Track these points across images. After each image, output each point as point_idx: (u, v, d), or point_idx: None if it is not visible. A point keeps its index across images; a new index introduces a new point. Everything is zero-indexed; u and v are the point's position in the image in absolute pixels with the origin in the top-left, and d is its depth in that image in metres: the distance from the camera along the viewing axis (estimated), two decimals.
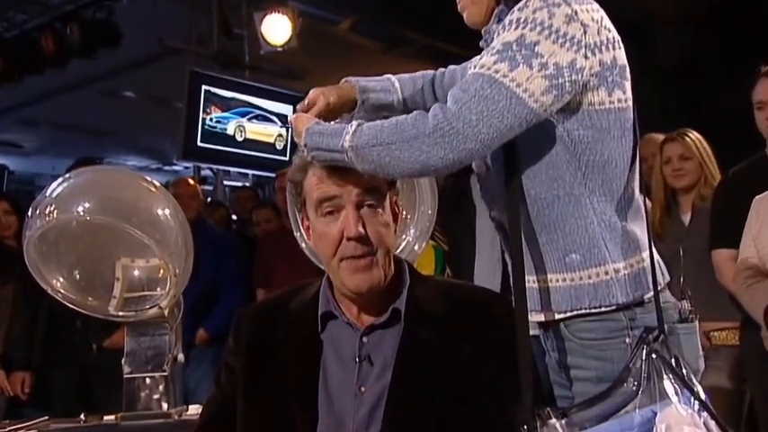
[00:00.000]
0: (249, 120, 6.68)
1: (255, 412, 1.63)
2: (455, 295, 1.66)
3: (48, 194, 2.09)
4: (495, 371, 1.55)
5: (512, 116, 1.46)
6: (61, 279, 2.15)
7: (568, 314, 1.60)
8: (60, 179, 2.15)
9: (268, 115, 6.81)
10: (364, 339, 1.59)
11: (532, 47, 1.47)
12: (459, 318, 1.60)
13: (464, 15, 1.74)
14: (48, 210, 2.05)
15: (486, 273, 3.44)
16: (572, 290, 1.59)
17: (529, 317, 1.55)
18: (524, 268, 1.59)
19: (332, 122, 1.66)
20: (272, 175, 5.33)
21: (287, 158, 6.58)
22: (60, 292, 2.14)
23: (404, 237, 2.41)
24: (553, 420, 1.41)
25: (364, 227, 1.54)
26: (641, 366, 1.46)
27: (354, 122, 1.55)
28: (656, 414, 1.40)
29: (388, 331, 1.60)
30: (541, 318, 1.64)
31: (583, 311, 1.58)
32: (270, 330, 1.67)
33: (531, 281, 1.63)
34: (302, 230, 1.74)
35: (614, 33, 1.57)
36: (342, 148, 1.52)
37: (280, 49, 6.31)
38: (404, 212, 2.41)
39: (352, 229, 1.53)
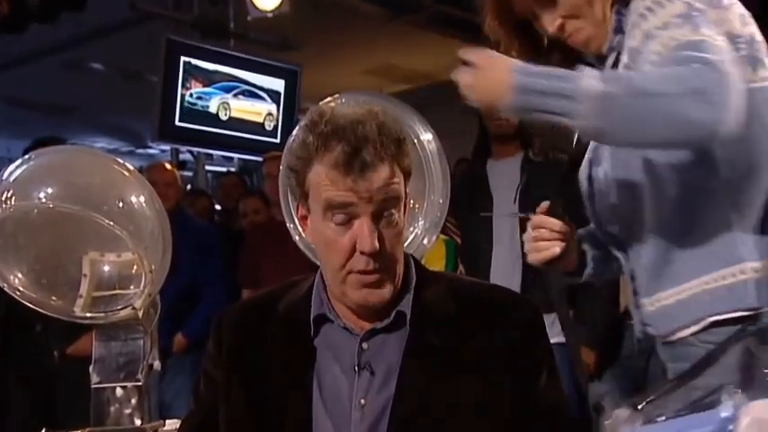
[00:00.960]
0: (235, 96, 6.69)
1: (239, 429, 1.64)
2: (468, 295, 1.66)
3: (4, 179, 2.08)
4: (515, 383, 1.56)
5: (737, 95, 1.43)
6: (20, 275, 2.14)
7: (702, 324, 1.63)
8: (19, 161, 2.15)
9: (256, 91, 6.81)
10: (364, 345, 1.60)
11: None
12: (474, 321, 1.60)
13: (584, 46, 1.73)
14: (4, 196, 2.04)
15: (505, 271, 3.46)
16: (707, 295, 1.61)
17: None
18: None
19: None
20: (261, 159, 5.34)
21: (278, 141, 6.59)
22: (19, 291, 2.13)
23: (412, 229, 2.42)
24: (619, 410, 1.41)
25: (381, 240, 1.53)
26: (732, 359, 1.46)
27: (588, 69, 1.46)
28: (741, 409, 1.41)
29: (391, 336, 1.60)
30: (673, 336, 1.69)
31: (717, 318, 1.60)
32: (255, 335, 1.68)
33: (663, 297, 1.67)
34: (296, 221, 1.74)
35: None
36: (580, 94, 1.41)
37: (270, 15, 6.32)
38: (411, 201, 2.42)
39: (367, 244, 1.51)
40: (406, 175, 1.58)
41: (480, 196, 3.73)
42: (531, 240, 1.83)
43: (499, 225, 3.65)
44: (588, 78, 1.42)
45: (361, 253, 1.52)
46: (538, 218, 1.81)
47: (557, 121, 1.46)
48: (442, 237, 3.44)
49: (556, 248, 1.80)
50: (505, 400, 1.55)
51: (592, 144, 1.79)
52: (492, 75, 1.53)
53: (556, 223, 1.80)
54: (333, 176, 1.51)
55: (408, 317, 1.59)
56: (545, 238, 1.80)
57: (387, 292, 1.56)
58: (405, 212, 1.59)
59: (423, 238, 2.44)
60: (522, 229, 3.52)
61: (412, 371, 1.56)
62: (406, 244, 2.35)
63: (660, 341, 1.77)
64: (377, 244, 1.51)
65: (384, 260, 1.54)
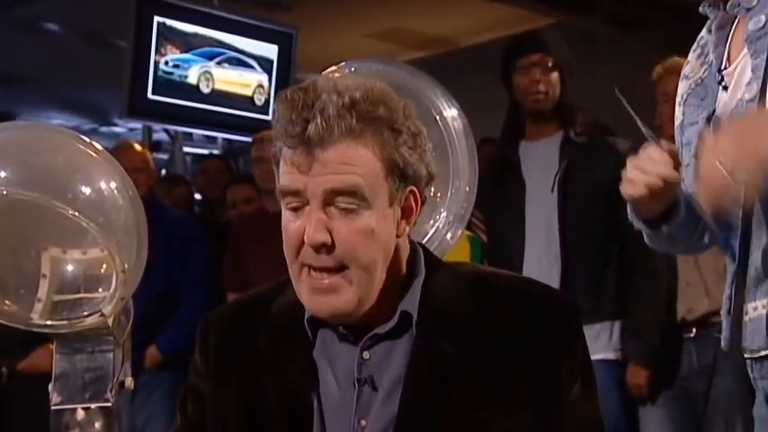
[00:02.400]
0: (218, 64, 6.70)
1: None
2: (490, 291, 1.66)
3: None
4: (541, 399, 1.57)
5: None
6: None
7: None
8: None
9: (244, 58, 6.83)
10: (365, 355, 1.61)
11: None
12: (495, 322, 1.60)
13: None
14: None
15: (540, 273, 3.45)
16: None
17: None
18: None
19: None
20: (249, 139, 5.34)
21: (269, 117, 6.55)
22: None
23: (432, 222, 2.42)
24: None
25: (332, 234, 1.54)
26: None
27: None
28: None
29: (397, 343, 1.61)
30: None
31: None
32: (247, 342, 1.70)
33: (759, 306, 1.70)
34: None
35: None
36: None
37: None
38: (432, 189, 2.42)
39: (310, 234, 1.53)
40: (394, 165, 1.57)
41: (510, 183, 3.73)
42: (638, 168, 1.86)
43: (533, 218, 3.66)
44: None
45: (310, 245, 1.54)
46: (670, 147, 1.85)
47: None
48: (467, 233, 3.44)
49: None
50: (529, 419, 1.56)
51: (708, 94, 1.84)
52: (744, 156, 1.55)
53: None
54: (286, 155, 1.55)
55: (414, 318, 1.60)
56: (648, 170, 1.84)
57: (344, 301, 1.55)
58: (393, 206, 1.59)
59: (446, 233, 2.44)
60: (562, 225, 3.55)
61: (418, 384, 1.57)
62: (424, 240, 2.36)
63: (749, 355, 1.80)
64: (322, 236, 1.52)
65: (338, 260, 1.54)
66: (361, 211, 1.54)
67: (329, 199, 1.53)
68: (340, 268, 1.55)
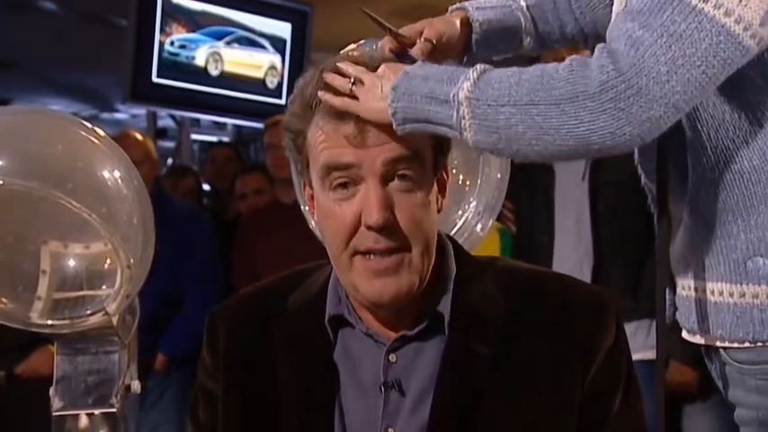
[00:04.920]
0: (228, 44, 6.72)
1: None
2: (524, 287, 1.67)
3: None
4: (581, 403, 1.58)
5: (719, 63, 1.46)
6: None
7: (735, 345, 1.65)
8: None
9: (256, 38, 6.84)
10: (391, 357, 1.61)
11: None
12: (531, 323, 1.61)
13: None
14: None
15: (571, 267, 3.44)
16: (746, 312, 1.62)
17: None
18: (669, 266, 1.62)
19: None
20: (261, 126, 5.35)
21: (282, 101, 6.61)
22: None
23: (460, 213, 2.42)
24: None
25: (393, 211, 1.54)
26: None
27: (479, 66, 1.54)
28: None
29: (427, 345, 1.62)
30: (698, 340, 1.71)
31: (758, 345, 1.62)
32: (260, 340, 1.70)
33: (686, 287, 1.68)
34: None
35: None
36: (453, 100, 1.51)
37: None
38: (460, 177, 2.41)
39: (374, 214, 1.52)
40: (433, 135, 1.59)
41: (537, 171, 3.71)
42: None
43: (562, 209, 3.65)
44: (468, 81, 1.51)
45: (368, 228, 1.53)
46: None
47: (443, 134, 1.55)
48: (496, 224, 3.44)
49: None
50: (568, 427, 1.56)
51: None
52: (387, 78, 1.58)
53: None
54: (329, 129, 1.55)
55: (447, 319, 1.60)
56: None
57: (407, 282, 1.56)
58: (436, 181, 1.61)
59: (476, 224, 2.44)
60: (594, 216, 3.52)
61: (451, 390, 1.57)
62: (453, 232, 2.36)
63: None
64: (387, 214, 1.52)
65: (401, 238, 1.55)
66: (419, 182, 1.56)
67: (389, 172, 1.54)
68: (401, 249, 1.55)
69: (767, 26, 1.46)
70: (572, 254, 3.60)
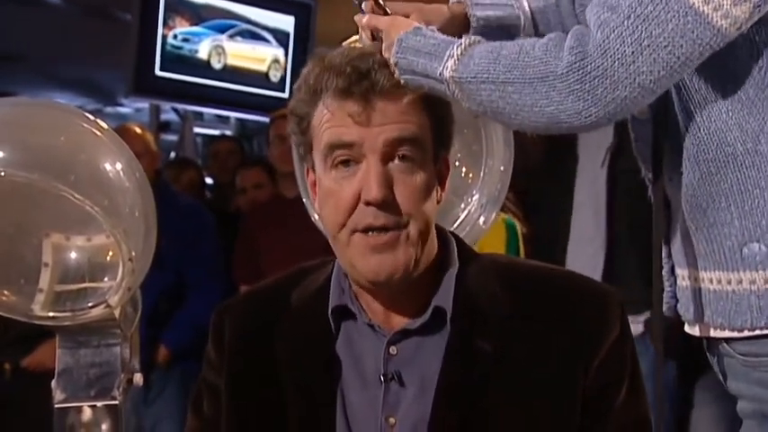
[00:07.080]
0: (231, 37, 6.72)
1: None
2: (529, 284, 1.68)
3: None
4: (584, 400, 1.58)
5: (688, 44, 1.46)
6: None
7: (735, 334, 1.64)
8: None
9: (259, 31, 6.83)
10: (392, 350, 1.62)
11: None
12: (534, 319, 1.62)
13: None
14: None
15: (585, 261, 3.42)
16: (743, 299, 1.61)
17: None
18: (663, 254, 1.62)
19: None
20: (265, 119, 5.34)
21: (286, 95, 6.60)
22: None
23: (463, 206, 2.41)
24: None
25: (392, 189, 1.56)
26: None
27: (464, 38, 1.58)
28: None
29: (428, 339, 1.62)
30: (695, 331, 1.70)
31: (756, 333, 1.61)
32: (264, 333, 1.71)
33: (685, 276, 1.67)
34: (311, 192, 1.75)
35: None
36: (441, 77, 1.55)
37: None
38: (463, 169, 2.41)
39: (373, 189, 1.54)
40: (438, 124, 1.62)
41: (561, 157, 3.70)
42: None
43: (580, 199, 3.63)
44: (452, 59, 1.57)
45: (366, 204, 1.55)
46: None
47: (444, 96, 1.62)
48: (502, 216, 3.42)
49: None
50: (571, 421, 1.57)
51: None
52: (390, 39, 1.64)
53: None
54: (335, 107, 1.57)
55: (449, 314, 1.61)
56: None
57: (403, 258, 1.57)
58: (436, 172, 1.63)
59: (479, 217, 2.43)
60: (612, 205, 3.51)
61: (455, 383, 1.58)
62: (455, 225, 2.35)
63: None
64: (386, 191, 1.54)
65: (399, 216, 1.56)
66: (419, 165, 1.58)
67: (390, 151, 1.56)
68: (399, 225, 1.56)
69: (741, 6, 1.45)
70: (588, 248, 3.60)
